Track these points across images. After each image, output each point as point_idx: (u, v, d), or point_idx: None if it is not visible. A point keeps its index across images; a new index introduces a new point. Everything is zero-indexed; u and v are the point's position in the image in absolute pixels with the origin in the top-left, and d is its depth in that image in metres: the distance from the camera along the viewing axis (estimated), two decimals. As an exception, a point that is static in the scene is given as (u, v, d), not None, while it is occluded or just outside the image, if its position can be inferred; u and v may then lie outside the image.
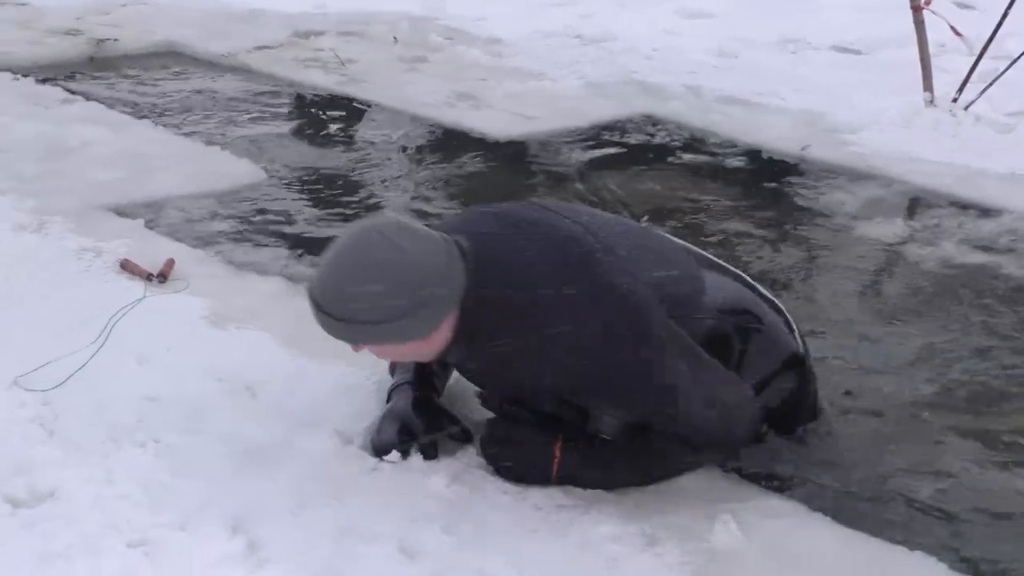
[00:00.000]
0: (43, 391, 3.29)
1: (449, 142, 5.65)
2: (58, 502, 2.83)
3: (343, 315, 2.73)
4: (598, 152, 5.55)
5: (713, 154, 5.56)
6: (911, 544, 2.86)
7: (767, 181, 5.28)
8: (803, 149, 5.49)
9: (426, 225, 2.97)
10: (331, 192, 5.00)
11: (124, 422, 3.21)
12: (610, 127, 5.86)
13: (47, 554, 2.65)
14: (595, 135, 5.75)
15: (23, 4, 7.55)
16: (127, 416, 3.23)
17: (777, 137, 5.68)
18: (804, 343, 3.27)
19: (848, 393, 3.57)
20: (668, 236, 3.30)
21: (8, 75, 6.19)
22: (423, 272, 2.70)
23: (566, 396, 2.93)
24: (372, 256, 2.70)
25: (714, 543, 2.78)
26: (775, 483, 3.12)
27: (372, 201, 4.92)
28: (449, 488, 2.94)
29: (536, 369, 2.83)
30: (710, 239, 4.51)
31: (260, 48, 7.01)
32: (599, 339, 2.75)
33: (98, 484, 2.91)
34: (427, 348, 2.85)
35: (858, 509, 3.05)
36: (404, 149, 5.59)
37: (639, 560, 2.73)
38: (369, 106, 6.11)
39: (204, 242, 4.41)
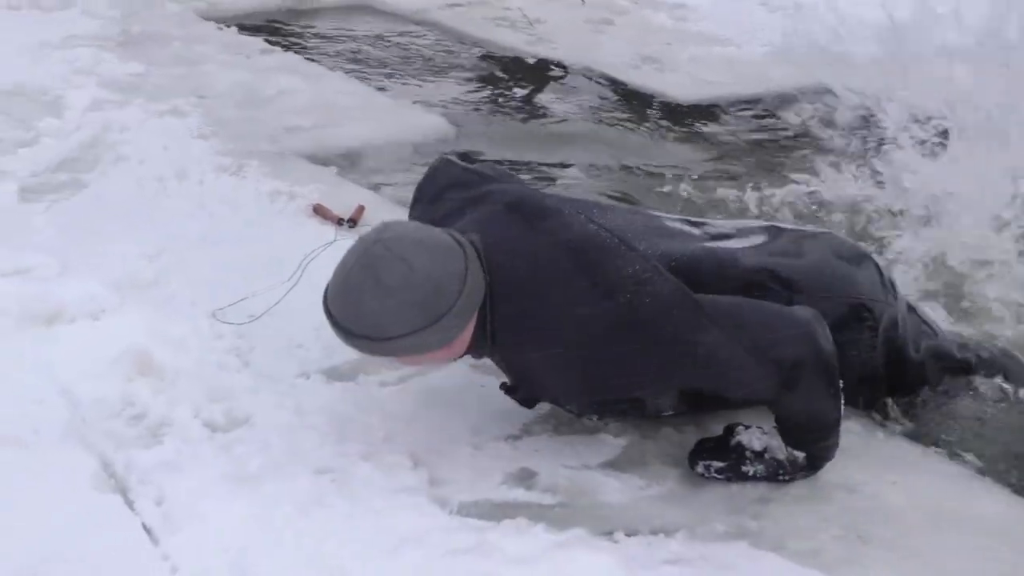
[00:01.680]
0: (239, 324, 3.41)
1: (631, 103, 5.66)
2: (251, 428, 2.96)
3: (361, 332, 2.67)
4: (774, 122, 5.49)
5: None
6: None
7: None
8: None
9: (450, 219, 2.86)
10: (517, 147, 5.04)
11: (313, 358, 3.32)
12: (791, 97, 5.78)
13: (241, 476, 2.76)
14: (776, 104, 5.70)
15: (229, -43, 7.69)
16: (316, 353, 3.34)
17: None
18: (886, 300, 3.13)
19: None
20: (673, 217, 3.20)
21: (212, 24, 6.32)
22: (436, 285, 2.59)
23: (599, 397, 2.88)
24: (383, 273, 2.59)
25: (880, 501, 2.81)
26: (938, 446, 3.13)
27: (556, 159, 4.94)
28: (617, 438, 3.00)
29: (563, 381, 2.79)
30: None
31: (451, 5, 7.05)
32: (612, 337, 2.65)
33: (288, 413, 3.03)
34: (446, 355, 2.77)
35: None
36: (589, 109, 5.61)
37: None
38: (556, 65, 6.13)
39: (394, 190, 4.48)
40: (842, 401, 2.80)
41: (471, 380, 3.17)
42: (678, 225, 3.12)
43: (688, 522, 2.71)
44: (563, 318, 2.65)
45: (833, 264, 3.11)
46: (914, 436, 3.15)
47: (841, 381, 2.79)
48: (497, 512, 2.70)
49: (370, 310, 2.61)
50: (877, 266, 3.25)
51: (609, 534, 2.65)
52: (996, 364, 3.45)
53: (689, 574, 2.54)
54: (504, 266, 2.68)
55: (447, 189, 3.05)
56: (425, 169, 3.18)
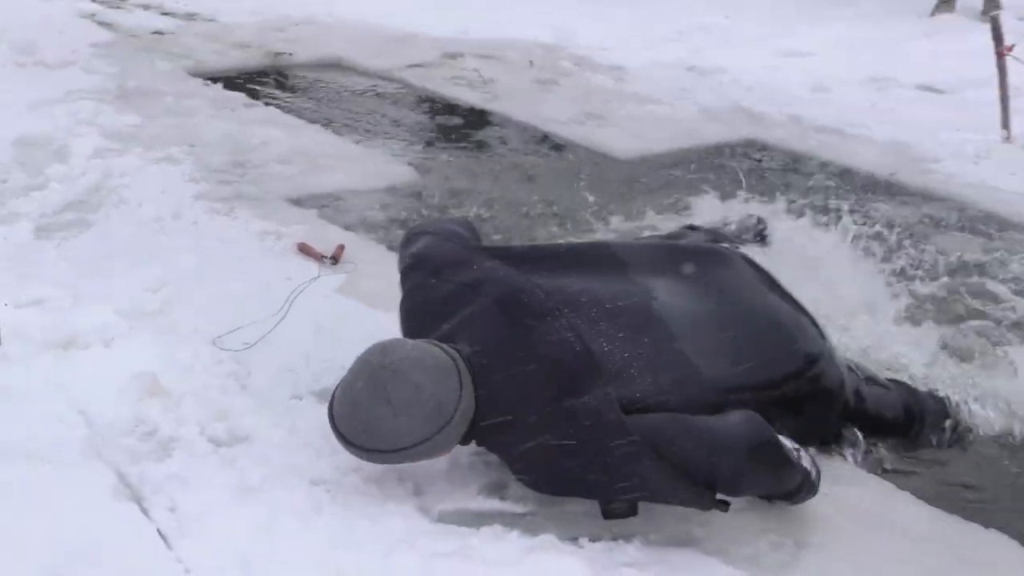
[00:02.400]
0: (236, 351, 3.42)
1: (577, 155, 5.70)
2: (252, 444, 2.97)
3: (373, 447, 2.67)
4: (709, 172, 5.56)
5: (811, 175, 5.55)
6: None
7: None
8: (891, 175, 5.49)
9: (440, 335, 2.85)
10: (477, 190, 5.06)
11: (304, 381, 3.33)
12: (720, 150, 5.86)
13: (245, 487, 2.77)
14: (707, 156, 5.77)
15: (211, 21, 7.70)
16: (307, 376, 3.35)
17: (866, 163, 5.66)
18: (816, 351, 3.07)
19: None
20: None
21: (199, 81, 6.32)
22: (438, 402, 2.63)
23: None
24: (393, 394, 2.62)
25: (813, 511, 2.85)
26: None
27: (508, 198, 4.97)
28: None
29: (530, 470, 2.74)
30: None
31: (413, 66, 7.09)
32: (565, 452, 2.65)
33: (284, 431, 3.04)
34: (441, 455, 2.78)
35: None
36: (535, 155, 5.65)
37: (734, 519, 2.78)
38: (509, 120, 6.16)
39: (369, 231, 4.50)
40: (798, 466, 2.77)
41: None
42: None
43: (643, 530, 2.74)
44: (532, 427, 2.67)
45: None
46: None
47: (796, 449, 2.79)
48: (475, 520, 2.73)
49: (384, 427, 2.64)
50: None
51: (575, 539, 2.68)
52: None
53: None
54: (489, 372, 2.71)
55: (446, 268, 3.05)
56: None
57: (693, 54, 7.60)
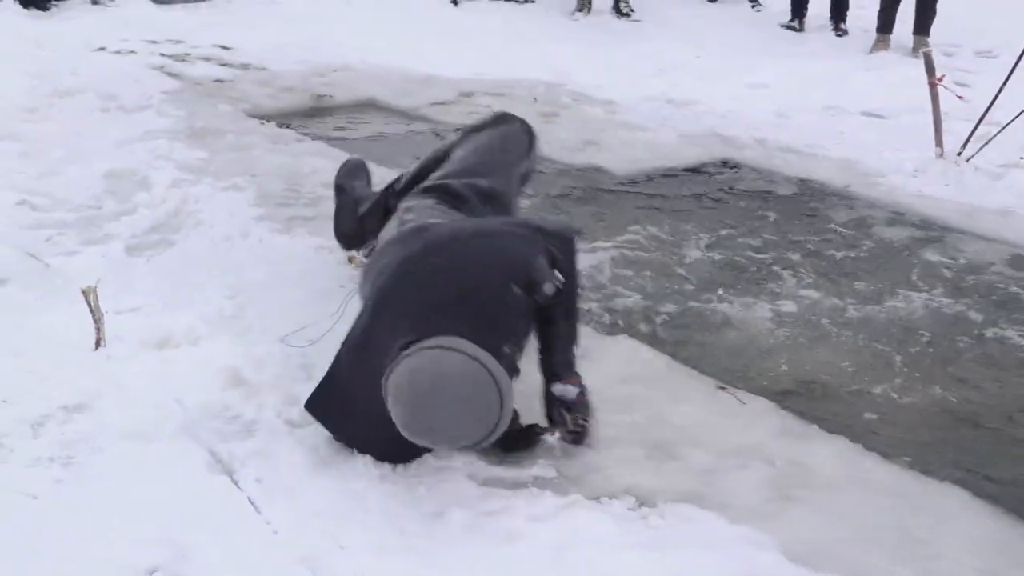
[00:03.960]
0: (302, 348, 3.44)
1: (580, 175, 5.72)
2: (320, 426, 2.98)
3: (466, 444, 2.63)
4: (689, 184, 5.59)
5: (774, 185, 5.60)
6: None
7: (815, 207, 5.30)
8: (845, 187, 5.52)
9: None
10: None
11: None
12: (697, 167, 5.89)
13: (317, 460, 2.80)
14: (687, 172, 5.80)
15: (263, 69, 7.72)
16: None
17: (824, 178, 5.70)
18: None
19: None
20: None
21: (256, 121, 6.34)
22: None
23: None
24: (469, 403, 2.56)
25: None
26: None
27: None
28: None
29: None
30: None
31: (435, 104, 7.10)
32: None
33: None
34: None
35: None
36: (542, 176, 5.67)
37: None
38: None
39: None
40: None
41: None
42: None
43: (656, 488, 2.77)
44: None
45: None
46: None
47: None
48: (515, 484, 2.76)
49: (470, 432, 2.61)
50: None
51: (597, 499, 2.70)
52: None
53: (660, 525, 2.60)
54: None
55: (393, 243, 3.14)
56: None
57: (672, 88, 7.60)
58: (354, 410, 2.79)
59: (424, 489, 2.67)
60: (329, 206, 4.80)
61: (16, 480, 2.57)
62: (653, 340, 3.73)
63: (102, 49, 7.95)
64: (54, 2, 9.21)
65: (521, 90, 7.46)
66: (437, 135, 6.36)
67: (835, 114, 7.11)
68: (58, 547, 2.37)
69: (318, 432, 2.93)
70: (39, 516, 2.46)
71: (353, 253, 4.17)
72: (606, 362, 3.49)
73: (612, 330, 3.80)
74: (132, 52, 7.93)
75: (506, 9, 10.57)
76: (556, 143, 6.17)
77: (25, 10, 8.68)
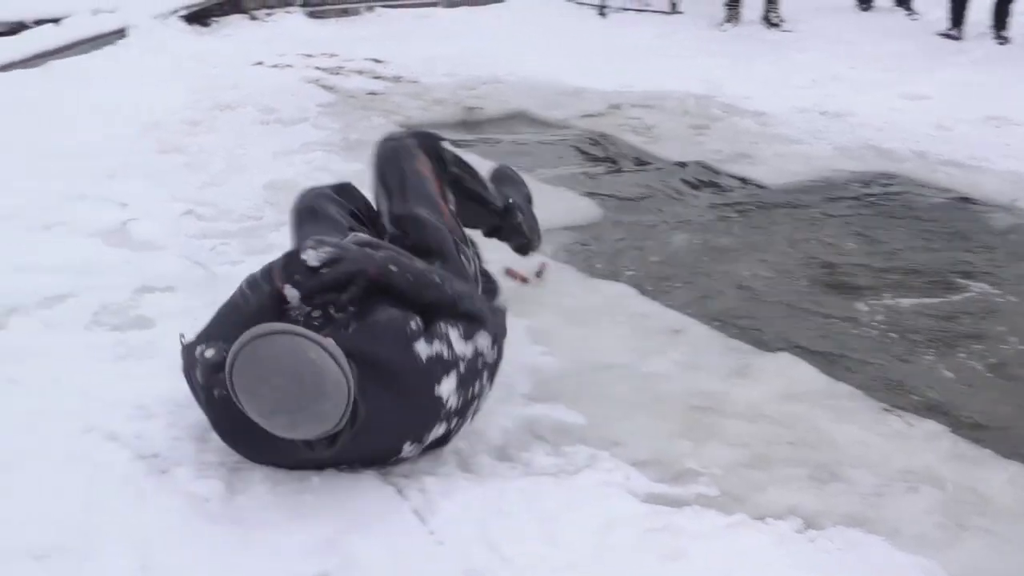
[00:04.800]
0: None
1: (732, 187, 5.65)
2: (481, 437, 2.98)
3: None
4: (848, 199, 5.46)
5: (936, 199, 5.44)
6: None
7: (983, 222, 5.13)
8: (1012, 202, 5.34)
9: None
10: (650, 220, 5.04)
11: (518, 384, 3.36)
12: (855, 181, 5.75)
13: (479, 473, 2.81)
14: (845, 185, 5.67)
15: (414, 82, 7.82)
16: (519, 378, 3.38)
17: (990, 192, 5.52)
18: None
19: None
20: None
21: (409, 132, 6.40)
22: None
23: None
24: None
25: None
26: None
27: (674, 227, 4.95)
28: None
29: None
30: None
31: (585, 116, 7.10)
32: None
33: (507, 423, 3.08)
34: None
35: None
36: (699, 188, 5.61)
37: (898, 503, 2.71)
38: (669, 160, 6.12)
39: (562, 256, 4.52)
40: None
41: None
42: None
43: (821, 509, 2.71)
44: None
45: None
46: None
47: None
48: (676, 501, 2.72)
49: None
50: None
51: (763, 519, 2.65)
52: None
53: (828, 549, 2.54)
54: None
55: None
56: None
57: (826, 99, 7.45)
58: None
59: (586, 505, 2.65)
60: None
61: (189, 484, 2.64)
62: (813, 357, 3.64)
63: (260, 63, 8.17)
64: (214, 18, 9.48)
65: (670, 102, 7.41)
66: (590, 142, 6.37)
67: (999, 125, 6.87)
68: (229, 551, 2.42)
69: (480, 444, 2.95)
70: (211, 520, 2.51)
71: (510, 266, 4.18)
72: (765, 379, 3.44)
73: (771, 346, 3.73)
74: (288, 66, 8.13)
75: (654, 21, 10.53)
76: (707, 155, 6.13)
77: (188, 26, 8.96)
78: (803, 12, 10.38)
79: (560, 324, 3.80)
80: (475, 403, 2.84)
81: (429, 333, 2.72)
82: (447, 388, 2.70)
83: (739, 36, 9.88)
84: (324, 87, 7.52)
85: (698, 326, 3.85)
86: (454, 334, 2.77)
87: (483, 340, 2.85)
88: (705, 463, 2.90)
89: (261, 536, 2.46)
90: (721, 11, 10.34)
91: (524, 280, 4.14)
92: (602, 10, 10.74)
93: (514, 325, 3.67)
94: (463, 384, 2.74)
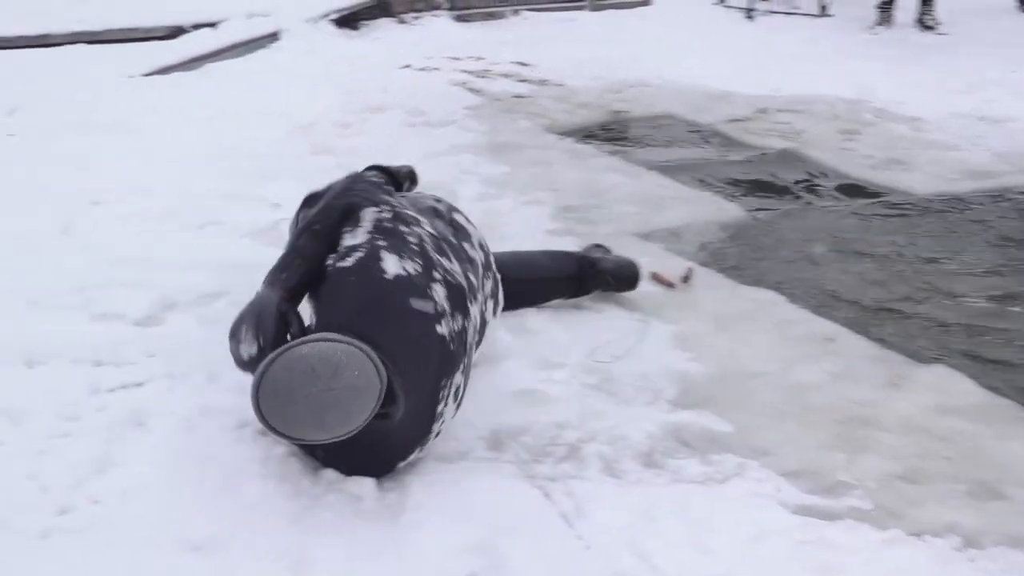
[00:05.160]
0: (607, 363, 3.46)
1: (884, 193, 5.52)
2: (626, 442, 2.98)
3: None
4: (1007, 207, 5.28)
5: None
6: None
7: None
8: None
9: None
10: (798, 226, 4.96)
11: (661, 388, 3.33)
12: (1016, 188, 5.56)
13: (627, 479, 2.79)
14: (1003, 193, 5.48)
15: (560, 85, 7.82)
16: (665, 384, 3.35)
17: None
18: None
19: None
20: None
21: (555, 136, 6.43)
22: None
23: None
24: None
25: None
26: None
27: (821, 233, 4.85)
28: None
29: None
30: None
31: (732, 120, 7.01)
32: None
33: (648, 429, 3.06)
34: None
35: None
36: (845, 194, 5.49)
37: None
38: (818, 166, 6.01)
39: (709, 261, 4.47)
40: None
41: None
42: None
43: (980, 528, 2.62)
44: None
45: None
46: None
47: None
48: (828, 514, 2.66)
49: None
50: None
51: (919, 535, 2.58)
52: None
53: (991, 570, 2.46)
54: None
55: None
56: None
57: (984, 104, 7.22)
58: None
59: (735, 515, 2.61)
60: (628, 221, 4.85)
61: (342, 482, 2.68)
62: (971, 369, 3.52)
63: (407, 66, 8.27)
64: (363, 21, 9.64)
65: (819, 106, 7.27)
66: (741, 150, 6.29)
67: None
68: (380, 549, 2.45)
69: (626, 450, 2.93)
70: (365, 519, 2.55)
71: (656, 270, 4.16)
72: (920, 391, 3.35)
73: (925, 357, 3.62)
74: (436, 69, 8.21)
75: (803, 24, 10.34)
76: (858, 161, 6.00)
77: (338, 30, 9.12)
78: (959, 14, 10.07)
79: (706, 330, 3.76)
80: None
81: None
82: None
83: (892, 40, 9.63)
84: (471, 90, 7.57)
85: (849, 335, 3.77)
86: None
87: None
88: (858, 476, 2.84)
89: (411, 535, 2.48)
90: (872, 14, 10.11)
91: (670, 285, 4.10)
92: (750, 13, 10.59)
93: (660, 330, 3.68)
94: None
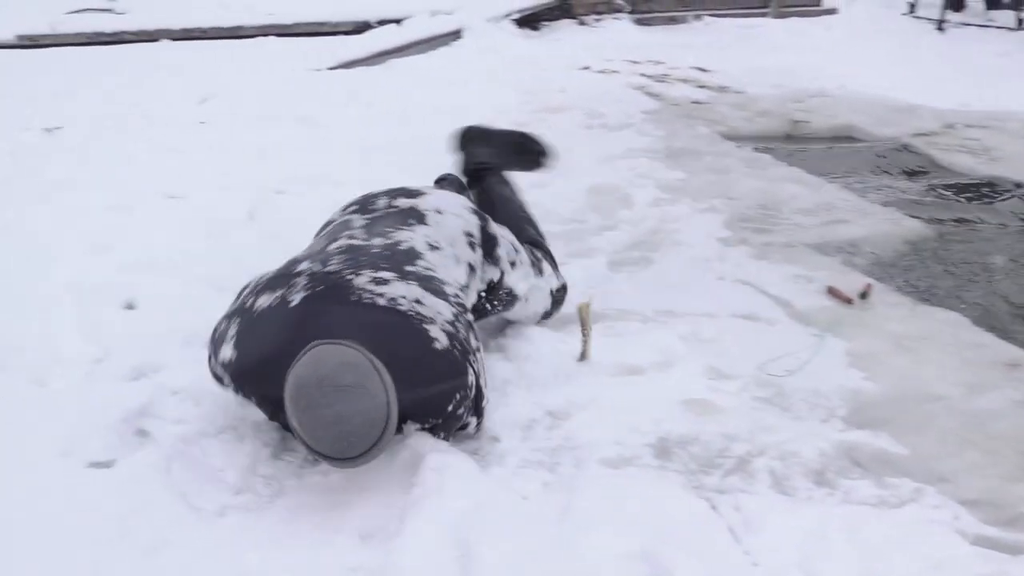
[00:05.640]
0: (780, 377, 3.39)
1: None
2: (798, 458, 2.92)
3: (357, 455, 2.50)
4: None
5: None
6: None
7: None
8: None
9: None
10: (984, 248, 4.78)
11: (834, 405, 3.25)
12: None
13: (797, 496, 2.73)
14: None
15: (740, 93, 7.72)
16: (839, 402, 3.27)
17: None
18: None
19: None
20: None
21: (732, 144, 6.34)
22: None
23: None
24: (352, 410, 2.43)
25: None
26: None
27: (1007, 253, 4.67)
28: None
29: None
30: None
31: (917, 134, 6.80)
32: None
33: (821, 446, 2.98)
34: None
35: None
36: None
37: None
38: (1008, 185, 5.78)
39: (890, 277, 4.35)
40: None
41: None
42: None
43: None
44: None
45: None
46: None
47: None
48: (1010, 548, 2.56)
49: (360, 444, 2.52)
50: None
51: None
52: None
53: None
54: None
55: None
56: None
57: None
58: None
59: (910, 540, 2.53)
60: (804, 233, 4.75)
61: (510, 480, 2.69)
62: None
63: (587, 68, 8.29)
64: (545, 22, 9.69)
65: (1013, 123, 7.01)
66: (928, 165, 6.11)
67: None
68: (543, 548, 2.45)
69: (793, 465, 2.87)
70: (531, 519, 2.55)
71: (833, 285, 4.07)
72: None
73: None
74: (615, 72, 8.21)
75: (998, 37, 9.98)
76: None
77: (519, 30, 9.20)
78: None
79: (884, 349, 3.65)
80: None
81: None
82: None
83: (1094, 56, 9.23)
84: (649, 94, 7.54)
85: (1037, 362, 3.61)
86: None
87: None
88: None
89: (576, 539, 2.47)
90: (1073, 28, 9.71)
91: (848, 301, 4.00)
92: (941, 25, 10.28)
93: (835, 346, 3.60)
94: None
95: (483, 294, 3.24)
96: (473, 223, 3.26)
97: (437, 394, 2.69)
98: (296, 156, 5.52)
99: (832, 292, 4.06)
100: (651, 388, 3.27)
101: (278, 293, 2.73)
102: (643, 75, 8.19)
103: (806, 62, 8.60)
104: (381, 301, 2.68)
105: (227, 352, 2.74)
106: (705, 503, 2.67)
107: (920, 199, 5.51)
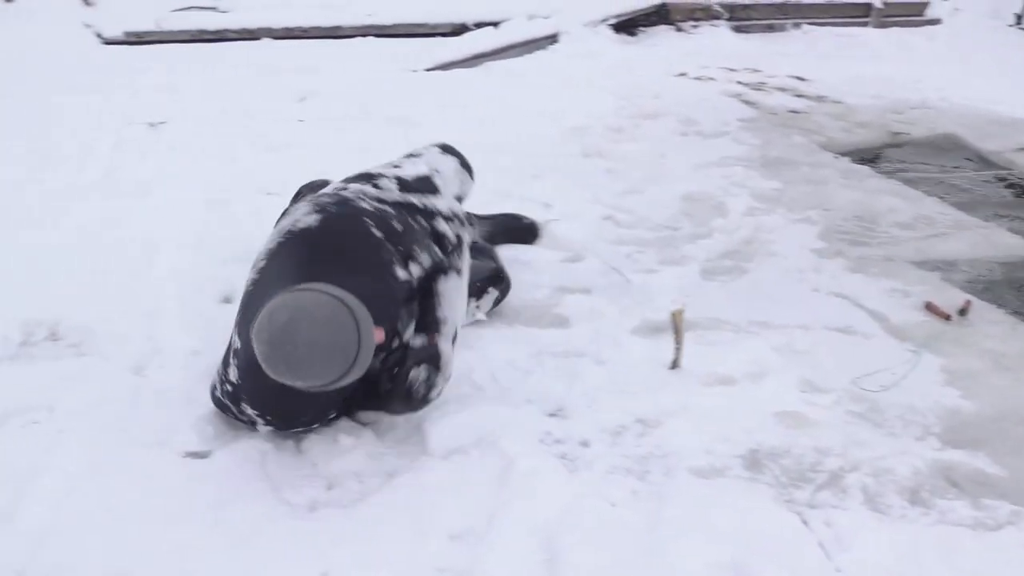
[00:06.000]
0: (874, 392, 3.35)
1: None
2: (889, 475, 2.87)
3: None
4: None
5: None
6: None
7: None
8: None
9: None
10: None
11: (929, 423, 3.19)
12: None
13: (891, 514, 2.68)
14: None
15: (838, 103, 7.61)
16: (934, 419, 3.21)
17: None
18: None
19: None
20: None
21: (830, 154, 6.25)
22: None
23: None
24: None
25: None
26: None
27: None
28: None
29: None
30: None
31: (1021, 149, 6.64)
32: None
33: (915, 462, 2.93)
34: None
35: None
36: None
37: None
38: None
39: (991, 295, 4.26)
40: None
41: None
42: None
43: None
44: None
45: None
46: None
47: None
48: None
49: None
50: None
51: None
52: None
53: None
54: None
55: None
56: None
57: None
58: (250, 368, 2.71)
59: (1008, 565, 2.48)
60: (902, 247, 4.68)
61: (598, 486, 2.69)
62: None
63: (683, 74, 8.23)
64: (641, 28, 9.65)
65: None
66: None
67: None
68: (634, 557, 2.44)
69: (887, 482, 2.83)
70: (620, 526, 2.55)
71: (931, 301, 4.00)
72: None
73: None
74: (711, 79, 8.14)
75: (1108, 50, 9.73)
76: None
77: (616, 35, 9.17)
78: None
79: (982, 368, 3.58)
80: None
81: None
82: None
83: None
84: (745, 102, 7.47)
85: None
86: None
87: None
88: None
89: (666, 547, 2.46)
90: None
91: (947, 318, 3.93)
92: (1048, 37, 10.05)
93: (931, 363, 3.54)
94: None
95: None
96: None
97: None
98: (393, 155, 5.56)
99: (930, 308, 4.00)
100: (743, 398, 3.25)
101: None
102: (739, 83, 8.11)
103: (907, 72, 8.45)
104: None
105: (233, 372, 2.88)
106: (796, 517, 2.64)
107: (1022, 215, 5.38)
